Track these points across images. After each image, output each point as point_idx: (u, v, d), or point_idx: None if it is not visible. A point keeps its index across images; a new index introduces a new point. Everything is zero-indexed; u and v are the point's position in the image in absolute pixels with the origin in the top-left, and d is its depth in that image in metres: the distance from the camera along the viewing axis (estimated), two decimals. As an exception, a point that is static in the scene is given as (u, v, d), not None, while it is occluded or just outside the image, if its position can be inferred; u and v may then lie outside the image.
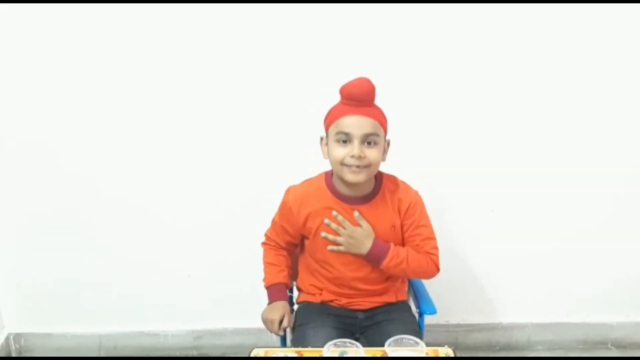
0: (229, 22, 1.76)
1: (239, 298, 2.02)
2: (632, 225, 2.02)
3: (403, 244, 1.48)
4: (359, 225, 1.41)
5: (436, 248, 1.47)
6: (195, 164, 1.93)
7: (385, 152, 1.40)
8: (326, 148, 1.40)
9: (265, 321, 1.48)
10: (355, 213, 1.41)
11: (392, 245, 1.43)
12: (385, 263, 1.41)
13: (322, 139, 1.43)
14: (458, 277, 2.05)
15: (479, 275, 2.07)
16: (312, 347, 1.29)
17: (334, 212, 1.41)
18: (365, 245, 1.41)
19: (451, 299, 2.03)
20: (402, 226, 1.46)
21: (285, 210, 1.49)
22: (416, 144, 1.85)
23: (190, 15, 1.75)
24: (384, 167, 1.48)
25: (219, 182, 1.95)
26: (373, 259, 1.42)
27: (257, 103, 1.85)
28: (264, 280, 1.55)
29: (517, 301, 2.11)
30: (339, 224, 1.41)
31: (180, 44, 1.79)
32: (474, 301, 2.11)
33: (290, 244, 1.57)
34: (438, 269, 1.47)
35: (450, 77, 1.83)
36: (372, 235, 1.41)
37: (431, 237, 1.47)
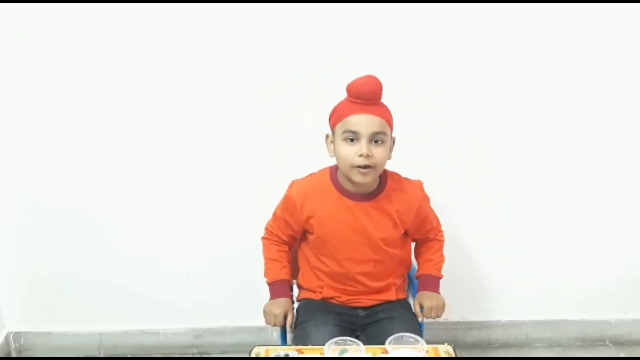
0: (233, 18, 1.76)
1: (238, 296, 2.02)
2: (631, 224, 2.03)
3: (411, 233, 1.55)
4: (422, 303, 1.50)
5: (441, 231, 1.61)
6: (195, 160, 1.92)
7: (391, 150, 1.41)
8: (332, 146, 1.40)
9: (267, 314, 1.47)
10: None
11: (433, 274, 1.54)
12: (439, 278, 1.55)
13: (327, 136, 1.43)
14: (457, 275, 2.03)
15: (477, 273, 2.07)
16: (314, 344, 1.30)
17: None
18: (438, 297, 1.51)
19: (450, 297, 2.02)
20: (415, 219, 1.49)
21: (288, 203, 1.48)
22: (414, 142, 1.84)
23: (195, 10, 1.75)
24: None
25: (219, 181, 1.95)
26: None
27: (258, 99, 1.85)
28: (266, 275, 1.55)
29: (515, 299, 2.12)
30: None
31: (185, 41, 1.78)
32: (473, 299, 2.12)
33: (292, 238, 1.57)
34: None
35: (450, 76, 1.83)
36: (428, 292, 1.51)
37: (435, 226, 1.58)
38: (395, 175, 1.49)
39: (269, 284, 1.54)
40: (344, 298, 1.52)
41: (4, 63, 1.80)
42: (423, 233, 1.56)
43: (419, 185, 1.50)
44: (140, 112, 1.86)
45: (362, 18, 1.76)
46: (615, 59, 1.83)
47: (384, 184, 1.45)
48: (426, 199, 1.51)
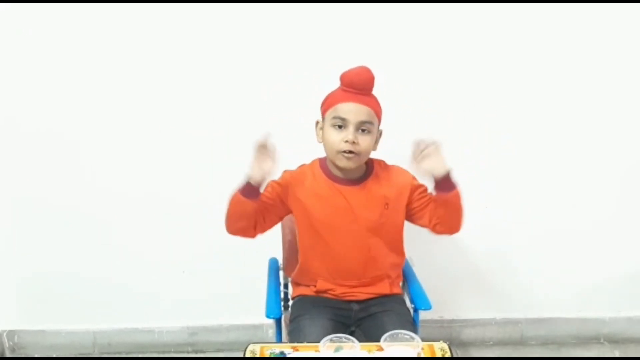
0: (233, 18, 1.77)
1: (234, 294, 2.03)
2: (626, 222, 2.05)
3: (411, 213, 1.49)
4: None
5: None
6: (193, 159, 1.93)
7: (377, 141, 1.45)
8: (321, 132, 1.45)
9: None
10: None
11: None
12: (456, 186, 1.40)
13: (317, 123, 1.47)
14: (452, 273, 2.06)
15: (472, 271, 2.08)
16: (308, 338, 1.31)
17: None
18: (445, 162, 1.36)
19: (445, 295, 2.05)
20: (417, 195, 1.48)
21: (281, 181, 1.48)
22: (410, 140, 1.86)
23: (195, 10, 1.76)
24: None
25: (215, 179, 1.94)
26: (449, 179, 1.39)
27: (258, 99, 1.86)
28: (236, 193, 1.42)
29: (510, 297, 2.13)
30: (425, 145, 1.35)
31: (185, 41, 1.80)
32: (468, 297, 2.13)
33: (265, 203, 1.46)
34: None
35: (450, 76, 1.85)
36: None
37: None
38: (382, 162, 1.53)
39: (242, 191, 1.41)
40: (338, 291, 1.52)
41: (4, 63, 1.80)
42: (427, 199, 1.48)
43: (406, 171, 1.50)
44: (140, 112, 1.87)
45: (362, 18, 1.77)
46: (615, 59, 1.85)
47: (370, 168, 1.49)
48: (415, 179, 1.49)
